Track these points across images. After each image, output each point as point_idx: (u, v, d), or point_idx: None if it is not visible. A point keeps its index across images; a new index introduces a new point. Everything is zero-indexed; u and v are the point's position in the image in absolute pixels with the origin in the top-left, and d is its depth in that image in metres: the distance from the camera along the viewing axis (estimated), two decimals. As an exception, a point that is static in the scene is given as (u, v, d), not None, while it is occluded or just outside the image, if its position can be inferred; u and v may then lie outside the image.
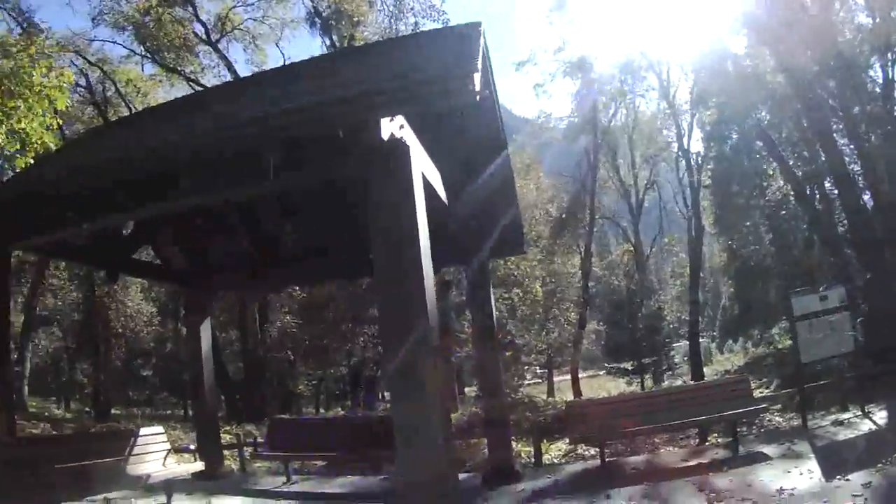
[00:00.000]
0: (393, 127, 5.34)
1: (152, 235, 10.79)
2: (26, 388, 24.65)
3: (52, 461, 7.31)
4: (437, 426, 5.05)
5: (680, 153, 34.12)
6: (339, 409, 29.18)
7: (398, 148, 5.38)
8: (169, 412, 30.72)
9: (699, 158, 32.90)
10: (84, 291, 28.01)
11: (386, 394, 36.29)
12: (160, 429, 9.64)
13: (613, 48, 51.48)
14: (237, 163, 6.04)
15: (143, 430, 9.17)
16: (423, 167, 5.98)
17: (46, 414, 24.56)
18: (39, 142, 13.57)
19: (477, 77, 5.11)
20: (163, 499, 8.60)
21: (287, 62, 26.90)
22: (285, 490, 9.70)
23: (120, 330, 28.26)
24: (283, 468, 10.66)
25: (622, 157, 37.32)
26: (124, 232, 9.64)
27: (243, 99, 8.28)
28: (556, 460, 12.40)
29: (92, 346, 28.01)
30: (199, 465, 9.36)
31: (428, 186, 6.02)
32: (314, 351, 27.75)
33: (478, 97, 5.14)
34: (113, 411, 27.18)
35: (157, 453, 8.99)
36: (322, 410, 29.13)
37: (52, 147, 13.63)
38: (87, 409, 28.68)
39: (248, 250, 10.84)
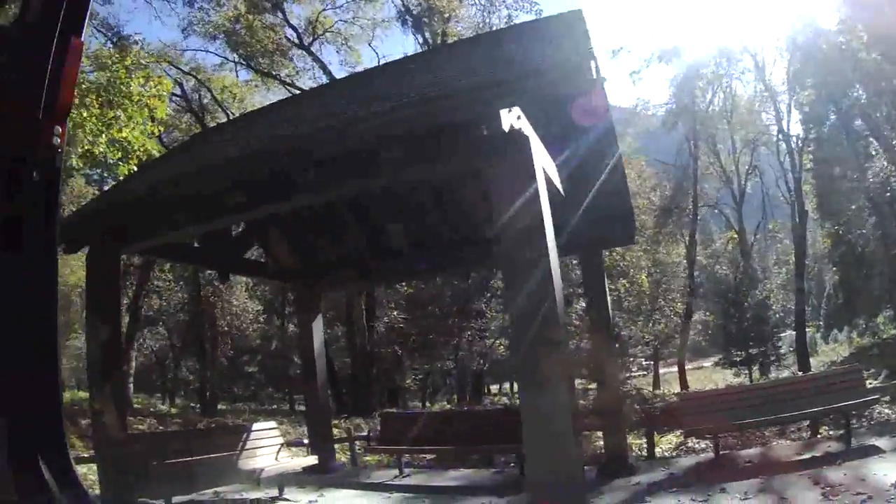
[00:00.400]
0: (512, 118, 5.33)
1: (262, 235, 11.11)
2: (131, 385, 26.06)
3: (164, 456, 7.63)
4: (567, 420, 5.05)
5: (779, 136, 32.85)
6: (445, 403, 29.55)
7: (519, 138, 5.39)
8: (274, 407, 31.68)
9: (799, 141, 31.69)
10: (190, 292, 29.22)
11: (492, 387, 36.41)
12: (273, 424, 9.91)
13: (708, 30, 50.10)
14: (350, 160, 6.16)
15: (255, 426, 9.46)
16: (541, 157, 5.98)
17: (152, 409, 25.85)
18: (142, 149, 14.24)
19: (594, 63, 5.11)
20: (275, 492, 8.81)
21: (381, 61, 27.39)
22: (397, 483, 9.76)
23: (226, 328, 29.40)
24: (394, 461, 10.79)
25: (721, 142, 36.20)
26: (235, 232, 9.98)
27: (350, 97, 8.41)
28: (667, 453, 12.24)
29: (198, 344, 29.23)
30: (311, 460, 9.54)
31: (545, 176, 6.03)
32: (420, 345, 28.07)
33: (595, 83, 5.12)
34: (219, 407, 28.32)
35: (269, 448, 9.22)
36: (427, 405, 29.47)
37: (155, 154, 14.30)
38: (192, 404, 29.98)
39: (358, 246, 11.01)
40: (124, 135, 13.98)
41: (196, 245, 10.63)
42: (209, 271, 27.92)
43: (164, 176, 8.39)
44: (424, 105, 5.81)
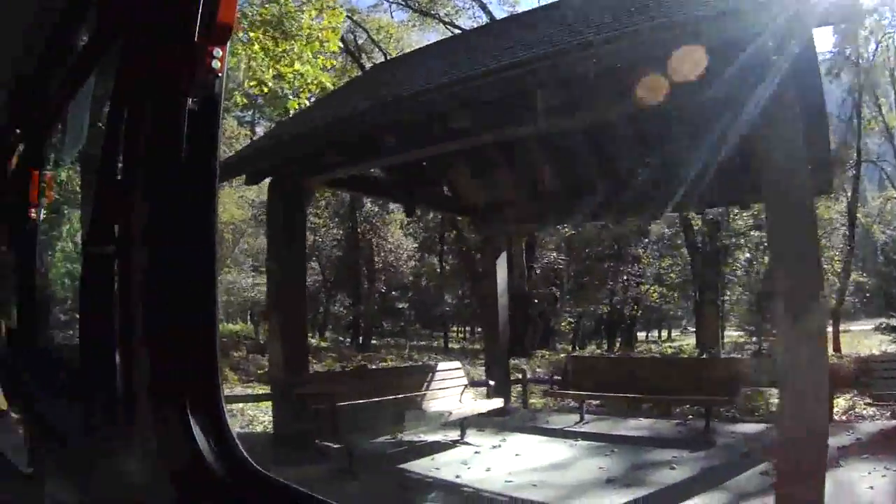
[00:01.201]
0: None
1: (447, 170, 11.14)
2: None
3: (347, 397, 7.62)
4: (825, 375, 4.98)
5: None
6: (594, 348, 29.26)
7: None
8: (423, 343, 32.57)
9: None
10: (346, 228, 30.31)
11: (639, 335, 35.75)
12: (457, 364, 9.93)
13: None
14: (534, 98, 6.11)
15: (441, 365, 9.50)
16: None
17: None
18: (315, 83, 14.55)
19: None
20: (454, 435, 8.77)
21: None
22: (578, 430, 9.59)
23: (380, 265, 30.37)
24: (567, 406, 10.86)
25: (885, 95, 32.79)
26: (422, 165, 10.01)
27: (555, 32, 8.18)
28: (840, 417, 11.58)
29: (353, 280, 30.35)
30: (496, 402, 9.44)
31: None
32: (576, 288, 27.90)
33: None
34: (371, 341, 29.44)
35: (454, 389, 9.23)
36: (577, 349, 29.33)
37: (330, 87, 14.56)
38: (341, 338, 31.39)
39: (545, 184, 10.85)
40: (296, 68, 14.17)
41: (381, 179, 10.85)
42: (368, 208, 29.04)
43: (348, 110, 8.49)
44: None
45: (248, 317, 31.52)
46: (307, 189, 9.34)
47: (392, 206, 28.56)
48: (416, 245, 32.94)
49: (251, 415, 10.96)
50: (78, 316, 1.50)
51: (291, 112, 14.20)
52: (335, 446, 7.42)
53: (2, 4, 2.49)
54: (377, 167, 9.91)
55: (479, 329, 33.01)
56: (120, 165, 1.52)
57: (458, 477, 7.16)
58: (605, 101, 6.54)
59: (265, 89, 14.46)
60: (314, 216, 30.28)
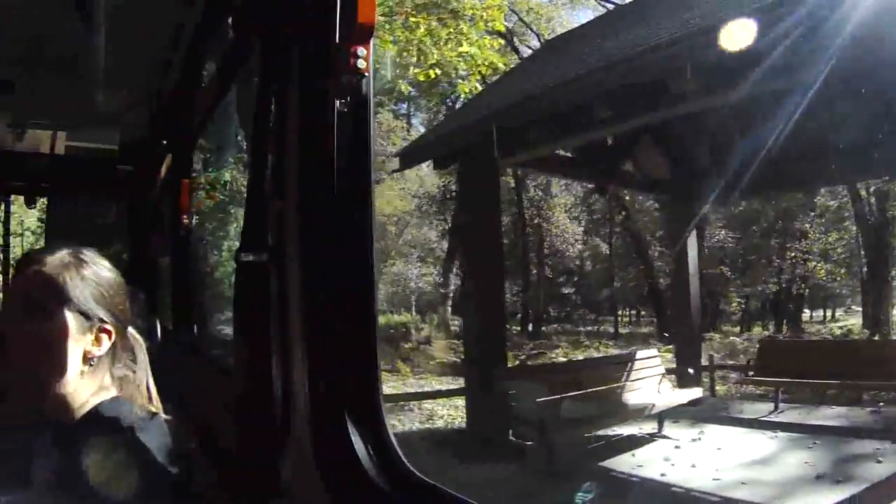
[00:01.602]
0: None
1: (635, 146, 10.85)
2: (449, 308, 28.14)
3: (553, 391, 7.55)
4: None
5: None
6: (761, 330, 28.22)
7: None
8: (590, 329, 32.25)
9: None
10: (511, 215, 30.44)
11: (805, 313, 33.55)
12: (654, 352, 9.81)
13: None
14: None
15: (639, 354, 9.37)
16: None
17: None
18: (486, 63, 14.55)
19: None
20: (649, 427, 8.61)
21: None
22: (774, 420, 9.26)
23: (546, 251, 30.28)
24: (753, 393, 10.72)
25: None
26: (608, 143, 9.89)
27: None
28: None
29: (520, 267, 30.47)
30: (694, 392, 9.20)
31: None
32: (744, 266, 27.11)
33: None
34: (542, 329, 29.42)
35: (651, 379, 9.05)
36: (745, 331, 27.95)
37: (502, 67, 14.55)
38: (508, 326, 31.54)
39: (738, 156, 10.28)
40: (463, 50, 14.28)
41: (568, 157, 10.75)
42: (532, 193, 28.99)
43: (530, 90, 8.57)
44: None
45: (414, 307, 32.44)
46: (500, 171, 9.37)
47: (555, 190, 28.38)
48: (581, 229, 32.54)
49: (428, 408, 11.25)
50: (233, 321, 1.59)
51: (461, 98, 14.31)
52: (529, 443, 7.52)
53: (141, 23, 2.67)
54: (587, 140, 9.60)
55: (644, 313, 32.32)
56: (269, 172, 1.59)
57: (663, 475, 7.07)
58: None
59: (432, 74, 14.62)
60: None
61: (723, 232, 27.17)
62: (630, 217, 27.10)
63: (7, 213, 6.26)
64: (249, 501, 1.57)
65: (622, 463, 7.58)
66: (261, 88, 1.69)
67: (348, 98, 1.38)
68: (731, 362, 13.45)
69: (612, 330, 30.04)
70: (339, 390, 1.33)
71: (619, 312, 33.58)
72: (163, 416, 1.70)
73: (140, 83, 3.36)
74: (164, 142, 3.71)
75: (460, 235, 10.29)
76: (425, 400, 11.51)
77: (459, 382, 15.30)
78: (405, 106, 32.18)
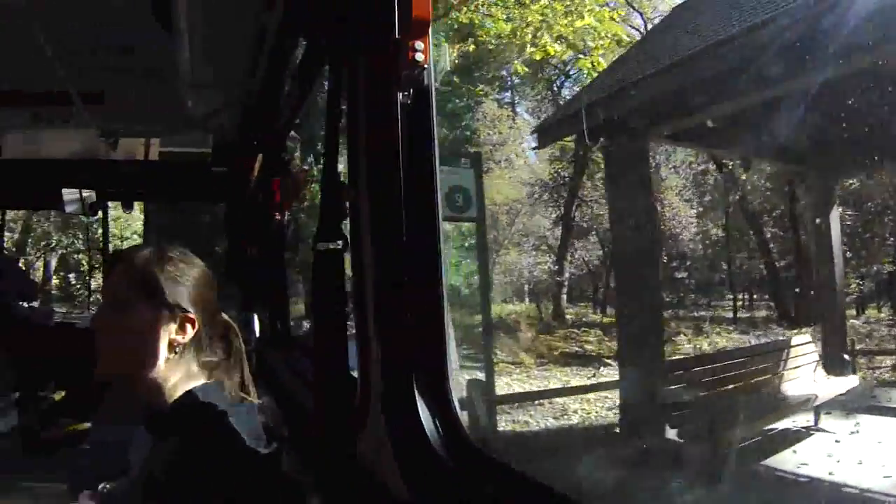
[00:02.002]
0: None
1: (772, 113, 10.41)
2: (564, 296, 27.99)
3: (710, 385, 7.42)
4: None
5: None
6: (876, 311, 26.63)
7: None
8: (703, 314, 31.42)
9: None
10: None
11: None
12: (807, 338, 9.47)
13: None
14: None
15: (794, 340, 9.08)
16: None
17: (584, 320, 27.51)
18: (608, 35, 14.24)
19: None
20: (802, 419, 8.27)
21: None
22: None
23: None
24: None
25: None
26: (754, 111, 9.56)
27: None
28: None
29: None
30: (851, 381, 8.84)
31: None
32: (860, 246, 25.50)
33: None
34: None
35: (806, 367, 8.77)
36: (861, 312, 26.57)
37: (625, 38, 14.21)
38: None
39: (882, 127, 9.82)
40: (586, 22, 13.90)
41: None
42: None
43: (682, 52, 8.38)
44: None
45: (529, 296, 32.47)
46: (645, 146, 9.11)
47: (664, 173, 27.82)
48: (693, 211, 31.78)
49: (560, 403, 11.19)
50: (311, 308, 1.73)
51: (585, 74, 14.02)
52: (681, 441, 7.20)
53: (224, 29, 2.86)
54: (740, 107, 9.09)
55: (756, 296, 31.24)
56: (342, 166, 1.73)
57: (831, 474, 6.74)
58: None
59: (551, 51, 14.43)
60: (588, 188, 30.45)
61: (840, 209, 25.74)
62: (744, 196, 26.19)
63: (105, 218, 6.75)
64: (330, 480, 1.72)
65: (786, 461, 7.28)
66: (331, 84, 1.83)
67: (410, 90, 1.51)
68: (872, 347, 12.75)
69: (729, 315, 29.21)
70: (410, 370, 1.46)
71: (733, 296, 32.63)
72: (255, 401, 1.86)
73: (228, 86, 3.57)
74: (255, 142, 3.95)
75: (614, 216, 9.89)
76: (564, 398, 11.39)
77: (584, 374, 15.46)
78: (509, 95, 32.21)
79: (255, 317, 3.98)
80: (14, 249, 26.98)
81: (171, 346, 1.66)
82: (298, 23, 2.50)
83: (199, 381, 1.71)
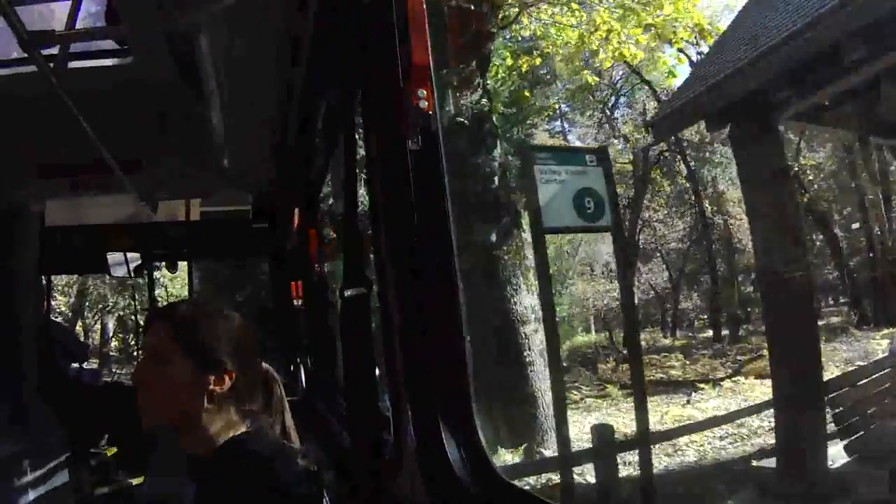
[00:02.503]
0: None
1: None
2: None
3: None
4: None
5: None
6: None
7: None
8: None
9: None
10: (692, 215, 29.69)
11: None
12: None
13: None
14: None
15: None
16: None
17: (657, 345, 27.10)
18: (694, 24, 14.00)
19: None
20: None
21: None
22: None
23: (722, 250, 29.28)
24: None
25: None
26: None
27: None
28: None
29: (705, 269, 29.70)
30: None
31: None
32: None
33: None
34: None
35: None
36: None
37: (707, 27, 13.89)
38: (690, 335, 30.60)
39: None
40: (666, 14, 13.65)
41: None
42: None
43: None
44: None
45: (600, 326, 32.15)
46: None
47: (736, 180, 27.31)
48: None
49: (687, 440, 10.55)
50: (341, 351, 1.87)
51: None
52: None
53: (253, 87, 3.05)
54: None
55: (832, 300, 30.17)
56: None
57: None
58: None
59: (627, 53, 14.25)
60: (654, 210, 30.24)
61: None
62: (812, 197, 25.39)
63: (151, 279, 7.06)
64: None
65: None
66: (346, 136, 1.99)
67: (419, 137, 1.65)
68: None
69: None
70: (434, 398, 1.59)
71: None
72: (296, 446, 1.99)
73: (261, 144, 3.76)
74: (291, 196, 4.14)
75: (754, 214, 8.68)
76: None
77: (676, 401, 14.79)
78: (558, 123, 32.29)
79: (301, 366, 4.13)
80: (70, 314, 27.80)
81: (210, 396, 1.79)
82: (321, 78, 2.67)
83: (239, 429, 1.83)
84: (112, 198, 4.30)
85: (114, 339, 32.49)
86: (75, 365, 6.31)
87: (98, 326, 31.75)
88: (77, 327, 28.78)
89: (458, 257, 1.62)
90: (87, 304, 30.16)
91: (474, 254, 10.48)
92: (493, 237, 10.90)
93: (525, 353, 10.92)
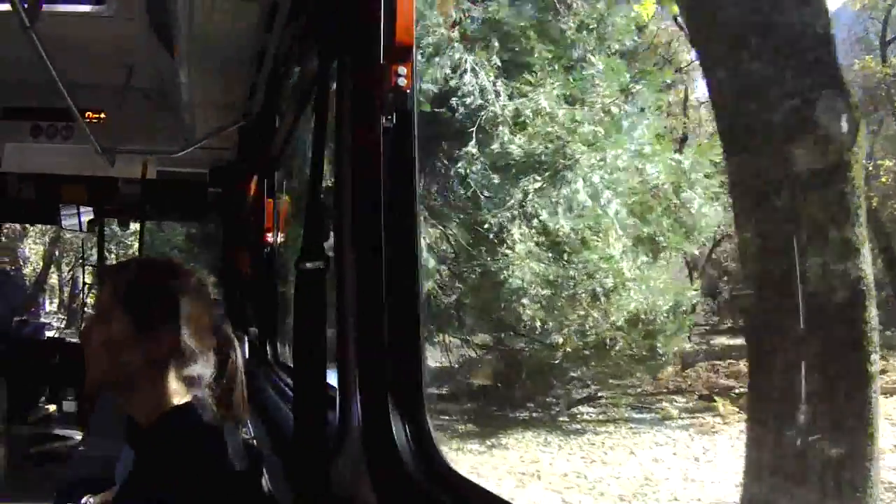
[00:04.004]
0: None
1: None
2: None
3: None
4: None
5: None
6: None
7: None
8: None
9: None
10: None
11: None
12: None
13: None
14: None
15: None
16: None
17: (704, 348, 27.24)
18: None
19: None
20: None
21: None
22: None
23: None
24: None
25: None
26: None
27: None
28: None
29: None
30: None
31: None
32: None
33: None
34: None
35: None
36: None
37: None
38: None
39: None
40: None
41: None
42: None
43: None
44: None
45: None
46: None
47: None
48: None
49: None
50: (292, 326, 1.76)
51: None
52: None
53: (224, 52, 2.92)
54: None
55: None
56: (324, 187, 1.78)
57: None
58: None
59: None
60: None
61: None
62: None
63: (101, 235, 6.79)
64: (306, 500, 1.74)
65: None
66: (317, 108, 1.88)
67: (393, 114, 1.56)
68: None
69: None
70: (387, 388, 1.48)
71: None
72: (244, 417, 1.87)
73: (226, 108, 3.63)
74: (251, 164, 4.02)
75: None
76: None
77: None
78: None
79: (246, 336, 4.01)
80: (40, 264, 26.77)
81: (148, 358, 1.64)
82: (293, 47, 2.56)
83: (182, 397, 1.68)
84: (70, 146, 4.12)
85: (90, 293, 31.34)
86: (18, 318, 6.08)
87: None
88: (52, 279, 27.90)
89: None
90: (61, 255, 29.01)
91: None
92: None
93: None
